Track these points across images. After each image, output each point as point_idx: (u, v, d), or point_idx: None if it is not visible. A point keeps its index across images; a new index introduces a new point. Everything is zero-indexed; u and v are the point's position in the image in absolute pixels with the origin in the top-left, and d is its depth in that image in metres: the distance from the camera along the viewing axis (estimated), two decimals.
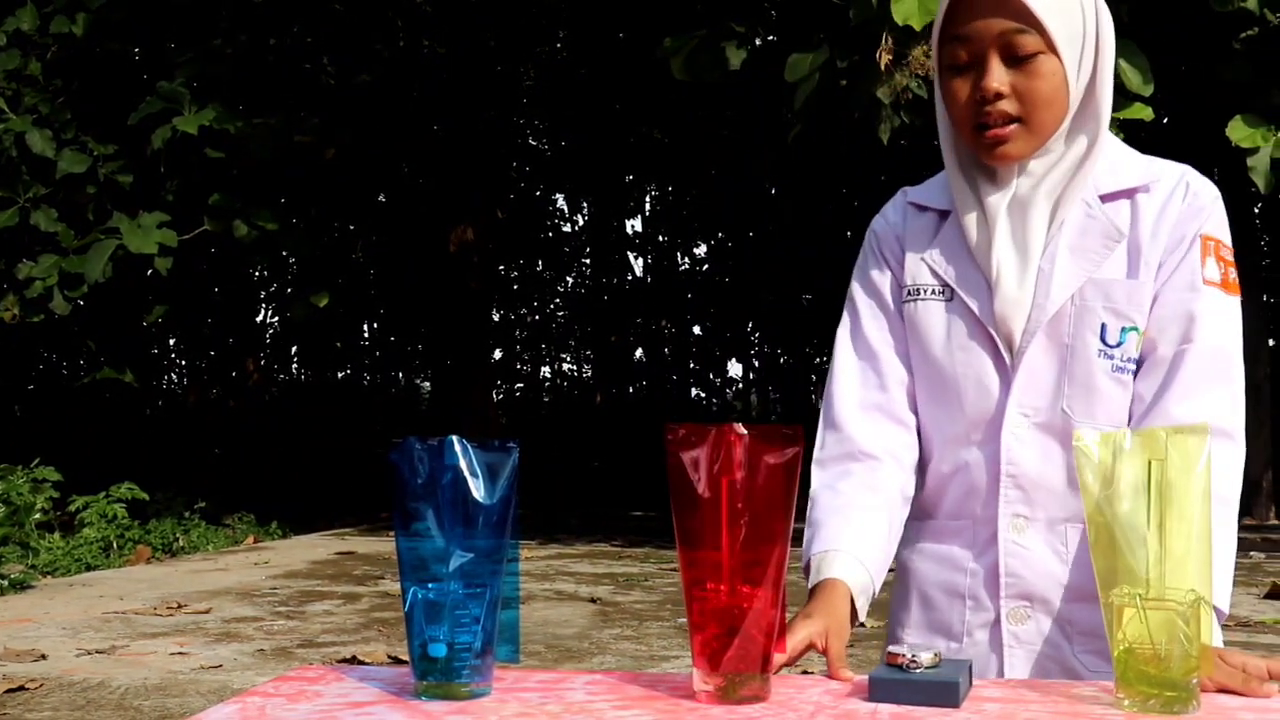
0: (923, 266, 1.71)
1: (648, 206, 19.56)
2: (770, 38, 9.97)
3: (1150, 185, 1.65)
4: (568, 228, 20.44)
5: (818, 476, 1.71)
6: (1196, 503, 1.28)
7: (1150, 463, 1.30)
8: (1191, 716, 1.23)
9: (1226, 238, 1.66)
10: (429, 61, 13.91)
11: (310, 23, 11.85)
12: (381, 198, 15.41)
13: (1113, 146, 1.68)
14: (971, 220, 1.67)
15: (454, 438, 1.30)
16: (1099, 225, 1.63)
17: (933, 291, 1.70)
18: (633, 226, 19.92)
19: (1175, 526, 1.28)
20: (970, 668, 1.35)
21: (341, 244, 14.44)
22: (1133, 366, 1.62)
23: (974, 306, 1.65)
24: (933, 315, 1.69)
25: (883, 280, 1.76)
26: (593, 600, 7.72)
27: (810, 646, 1.45)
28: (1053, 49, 1.57)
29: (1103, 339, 1.61)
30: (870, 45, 7.08)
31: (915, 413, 1.75)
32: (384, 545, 10.91)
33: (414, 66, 13.72)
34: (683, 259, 19.86)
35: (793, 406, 19.01)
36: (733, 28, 8.31)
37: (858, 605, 1.58)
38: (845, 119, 7.90)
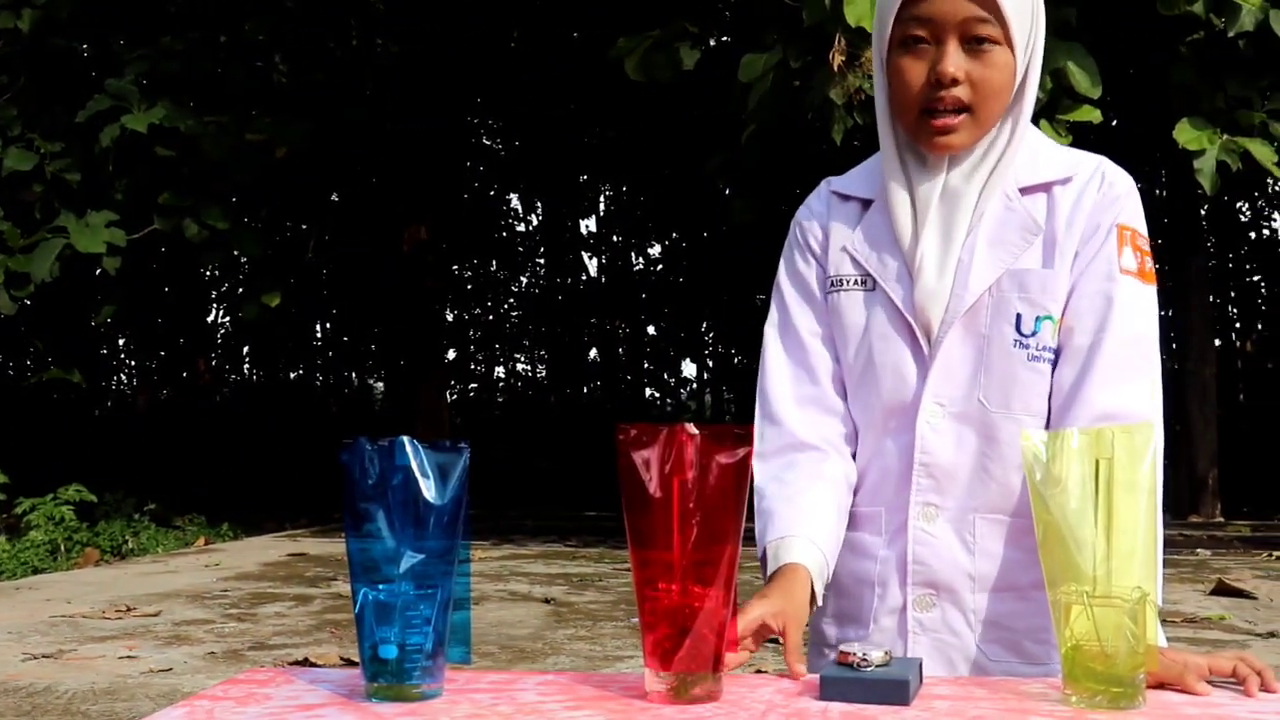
0: (845, 257, 1.72)
1: (602, 206, 19.56)
2: (724, 38, 10.00)
3: (1067, 178, 1.67)
4: (522, 227, 20.41)
5: (761, 470, 1.70)
6: (1142, 500, 1.30)
7: (1098, 461, 1.32)
8: (1137, 712, 1.24)
9: (1143, 227, 1.67)
10: (382, 61, 13.85)
11: (261, 20, 11.76)
12: (334, 197, 15.32)
13: (1032, 138, 1.69)
14: (901, 208, 1.67)
15: (405, 438, 1.29)
16: (1018, 218, 1.65)
17: (854, 281, 1.70)
18: (587, 226, 19.92)
19: (1122, 524, 1.29)
20: (920, 666, 1.36)
21: (294, 243, 14.34)
22: (1050, 355, 1.63)
23: (894, 295, 1.66)
24: (854, 305, 1.70)
25: (808, 271, 1.76)
26: (547, 601, 7.71)
27: (764, 627, 1.45)
28: (1008, 41, 1.58)
29: (1018, 329, 1.62)
30: (823, 46, 7.11)
31: (845, 400, 1.75)
32: (336, 546, 10.85)
33: (367, 65, 13.66)
34: (637, 259, 19.87)
35: (747, 406, 19.02)
36: (686, 28, 8.32)
37: (816, 589, 1.59)
38: (798, 119, 7.92)
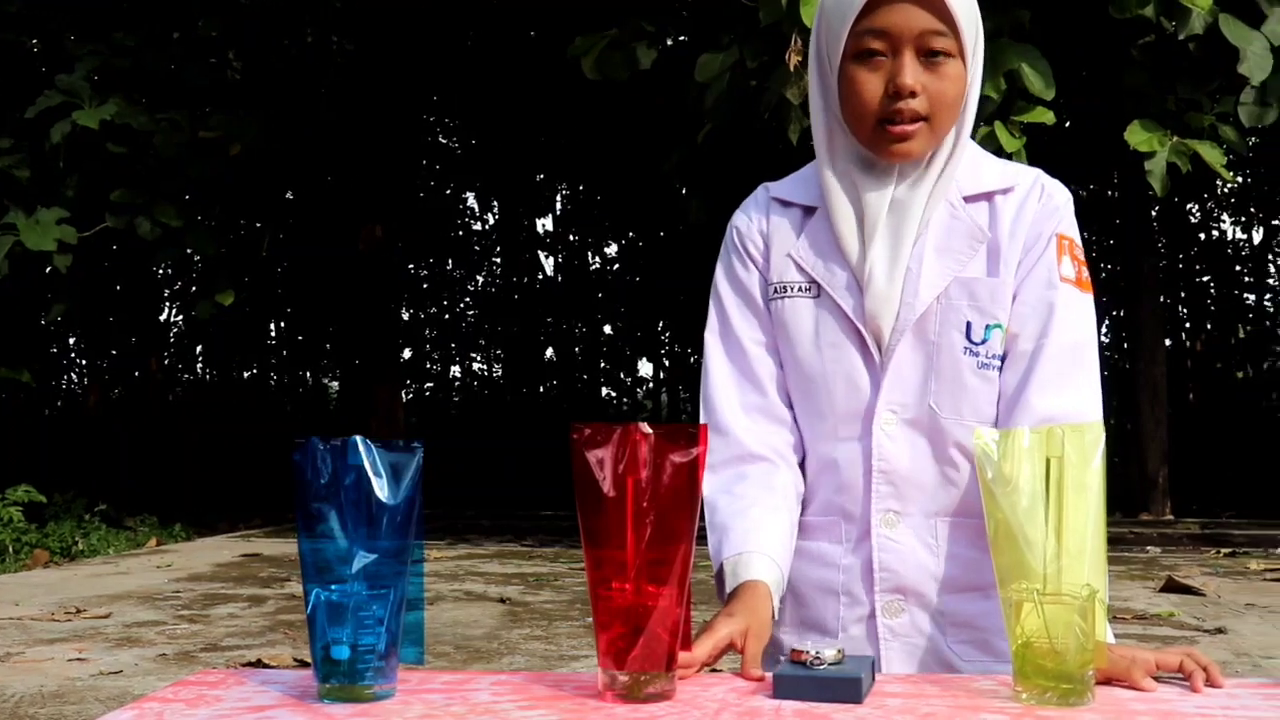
0: (789, 263, 1.72)
1: (559, 205, 19.53)
2: (681, 38, 10.01)
3: (1008, 188, 1.69)
4: (478, 226, 20.34)
5: (710, 482, 1.70)
6: (1092, 499, 1.31)
7: (1049, 461, 1.33)
8: (1086, 708, 1.26)
9: (1078, 238, 1.71)
10: (338, 58, 13.78)
11: (215, 17, 11.67)
12: (289, 195, 15.22)
13: (970, 149, 1.71)
14: (846, 217, 1.67)
15: (357, 438, 1.29)
16: (963, 226, 1.67)
17: (799, 289, 1.71)
18: (543, 225, 19.87)
19: (1072, 522, 1.31)
20: (873, 664, 1.37)
21: (248, 241, 14.23)
22: (998, 363, 1.65)
23: (843, 304, 1.66)
24: (800, 312, 1.70)
25: (748, 277, 1.76)
26: (502, 600, 7.69)
27: (730, 646, 1.46)
28: (961, 54, 1.60)
29: (968, 336, 1.64)
30: (779, 46, 7.13)
31: (791, 408, 1.75)
32: (290, 547, 10.78)
33: (322, 63, 13.58)
34: (593, 258, 19.85)
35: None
36: (643, 27, 8.32)
37: (775, 604, 1.59)
38: (755, 119, 7.94)
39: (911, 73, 1.58)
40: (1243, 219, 17.80)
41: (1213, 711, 1.25)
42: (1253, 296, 17.90)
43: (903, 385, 1.65)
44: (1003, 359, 1.65)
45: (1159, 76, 7.83)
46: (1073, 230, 1.69)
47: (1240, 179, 16.15)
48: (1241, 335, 17.65)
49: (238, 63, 12.77)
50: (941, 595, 1.66)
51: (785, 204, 1.77)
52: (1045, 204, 1.68)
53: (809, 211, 1.74)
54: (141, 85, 11.09)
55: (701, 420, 1.75)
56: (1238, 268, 17.76)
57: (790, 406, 1.75)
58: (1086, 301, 1.66)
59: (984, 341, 1.64)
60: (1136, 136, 7.44)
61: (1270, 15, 7.30)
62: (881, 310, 1.64)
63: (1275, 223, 17.75)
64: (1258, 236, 17.86)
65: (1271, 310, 17.99)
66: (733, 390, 1.75)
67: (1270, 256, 17.89)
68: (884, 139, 1.62)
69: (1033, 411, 1.60)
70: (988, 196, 1.69)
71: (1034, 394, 1.61)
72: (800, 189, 1.77)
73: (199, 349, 19.46)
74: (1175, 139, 7.49)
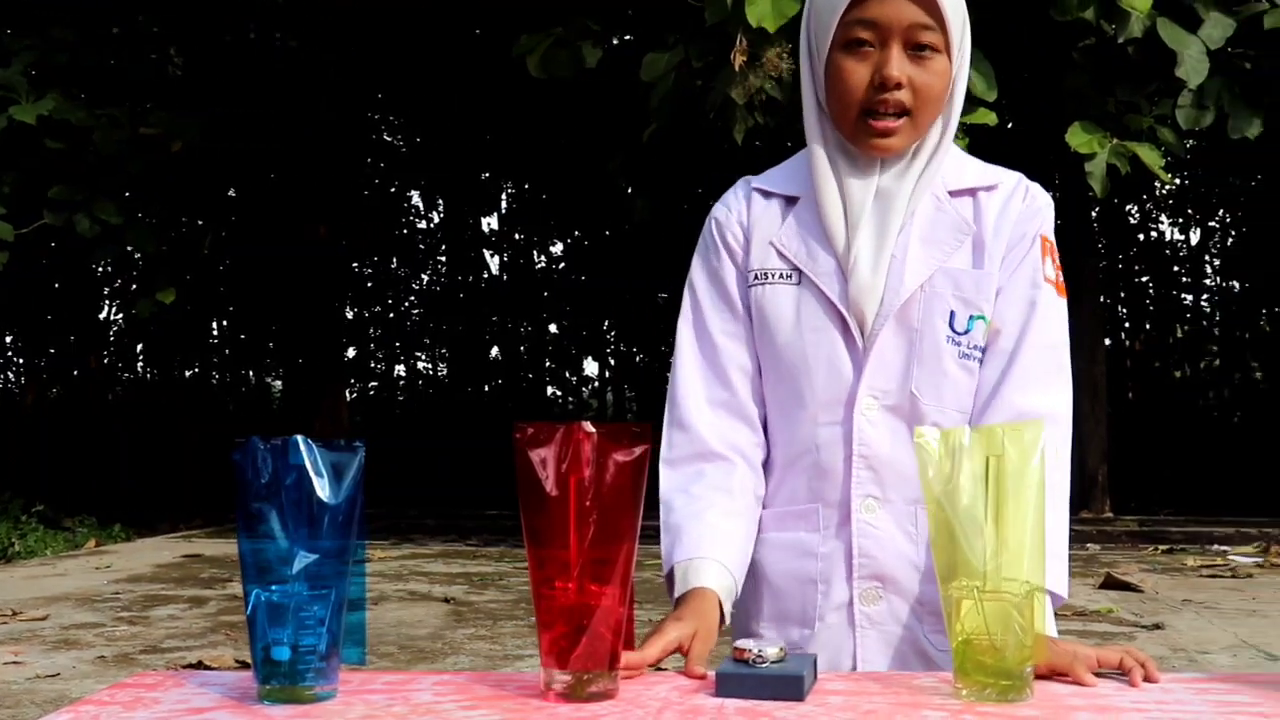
0: (770, 251, 1.73)
1: (504, 204, 19.44)
2: (626, 37, 10.01)
3: (992, 185, 1.72)
4: (423, 225, 20.23)
5: (668, 478, 1.71)
6: (1032, 496, 1.32)
7: (988, 458, 1.34)
8: (1025, 704, 1.27)
9: (1055, 242, 1.74)
10: (280, 55, 13.66)
11: (155, 12, 11.53)
12: (231, 193, 15.07)
13: (952, 148, 1.74)
14: (833, 206, 1.69)
15: (298, 437, 1.28)
16: (949, 218, 1.69)
17: (781, 275, 1.71)
18: (489, 224, 19.77)
19: (1012, 519, 1.32)
20: (815, 662, 1.38)
21: (190, 239, 14.07)
22: (979, 354, 1.68)
23: (827, 290, 1.67)
24: (781, 298, 1.71)
25: (725, 268, 1.77)
26: (446, 600, 7.67)
27: (678, 649, 1.46)
28: (947, 49, 1.62)
29: (951, 326, 1.66)
30: (725, 46, 7.14)
31: (760, 404, 1.76)
32: (232, 547, 10.67)
33: (265, 60, 13.45)
34: (539, 257, 19.78)
35: (648, 405, 19.07)
36: (589, 26, 8.31)
37: (725, 611, 1.60)
38: (700, 119, 7.95)
39: (898, 65, 1.60)
40: (1180, 220, 18.01)
41: (1147, 706, 1.27)
42: (1190, 297, 18.13)
43: (885, 371, 1.66)
44: (983, 351, 1.68)
45: (1099, 79, 7.92)
46: (1052, 234, 1.73)
47: (1178, 181, 16.36)
48: (1179, 335, 17.87)
49: (179, 59, 12.63)
50: (920, 583, 1.67)
51: (767, 194, 1.78)
52: (1029, 204, 1.71)
53: (790, 201, 1.75)
54: (80, 80, 10.94)
55: (666, 414, 1.75)
56: (1175, 268, 17.98)
57: (760, 404, 1.76)
58: (1063, 305, 1.70)
59: (967, 332, 1.67)
60: (1077, 138, 7.52)
61: (1207, 20, 7.41)
62: (865, 296, 1.66)
63: (1212, 224, 17.98)
64: (1195, 237, 18.09)
65: (1208, 310, 18.23)
66: (699, 384, 1.75)
67: (1207, 257, 18.13)
68: (866, 132, 1.64)
69: (1010, 407, 1.63)
70: (971, 192, 1.72)
71: (1012, 391, 1.65)
72: (782, 180, 1.78)
73: (139, 348, 19.22)
74: (1115, 141, 7.57)
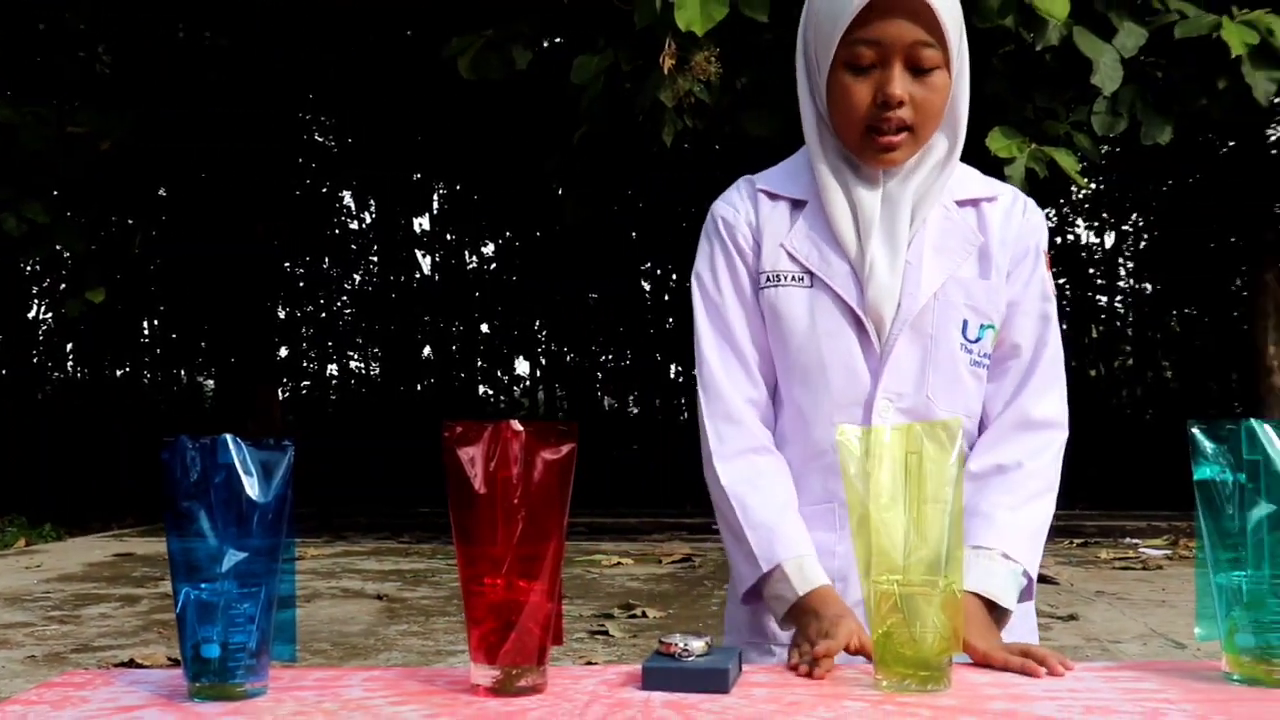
0: (781, 254, 1.73)
1: (436, 205, 19.32)
2: (557, 40, 9.99)
3: (993, 197, 1.76)
4: (355, 225, 20.07)
5: (728, 471, 1.69)
6: (950, 493, 1.34)
7: (908, 455, 1.36)
8: (943, 694, 1.29)
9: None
10: (211, 54, 13.48)
11: (83, 9, 11.34)
12: (162, 192, 14.86)
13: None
14: (843, 213, 1.70)
15: (227, 436, 1.27)
16: (958, 228, 1.72)
17: (793, 278, 1.72)
18: (420, 224, 19.64)
19: (931, 516, 1.33)
20: (740, 655, 1.39)
21: (120, 238, 13.86)
22: (987, 362, 1.72)
23: (846, 295, 1.69)
24: (794, 300, 1.71)
25: (738, 267, 1.76)
26: (379, 597, 7.61)
27: (859, 647, 1.46)
28: (947, 65, 1.64)
29: (964, 334, 1.70)
30: (654, 50, 7.15)
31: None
32: (164, 546, 10.49)
33: (195, 59, 13.27)
34: (470, 257, 19.69)
35: (578, 403, 19.07)
36: (519, 29, 8.29)
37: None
38: (630, 121, 7.95)
39: (900, 84, 1.61)
40: (1096, 224, 18.31)
41: (1059, 694, 1.29)
42: (1104, 298, 18.42)
43: (901, 375, 1.69)
44: (989, 359, 1.72)
45: (1018, 85, 8.00)
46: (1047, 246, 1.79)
47: (1094, 185, 16.63)
48: (1094, 335, 18.15)
49: (107, 57, 12.43)
50: None
51: (774, 196, 1.78)
52: (1029, 218, 1.76)
53: (798, 204, 1.75)
54: (7, 78, 10.74)
55: (705, 408, 1.73)
56: (1091, 270, 18.26)
57: (773, 396, 1.77)
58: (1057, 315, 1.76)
59: (978, 340, 1.70)
60: (997, 143, 7.60)
61: (1121, 29, 7.52)
62: (883, 302, 1.68)
63: (1125, 228, 18.28)
64: (1109, 240, 18.40)
65: (1122, 311, 18.54)
66: (738, 381, 1.74)
67: (1121, 260, 18.43)
68: (870, 147, 1.66)
69: (1024, 413, 1.70)
70: (975, 203, 1.75)
71: (1028, 398, 1.71)
72: (787, 182, 1.78)
73: (69, 347, 18.91)
74: (1033, 146, 7.66)
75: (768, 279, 1.73)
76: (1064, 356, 1.76)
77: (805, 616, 1.54)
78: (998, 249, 1.72)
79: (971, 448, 1.73)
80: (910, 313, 1.67)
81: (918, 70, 1.62)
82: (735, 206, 1.79)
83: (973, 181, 1.78)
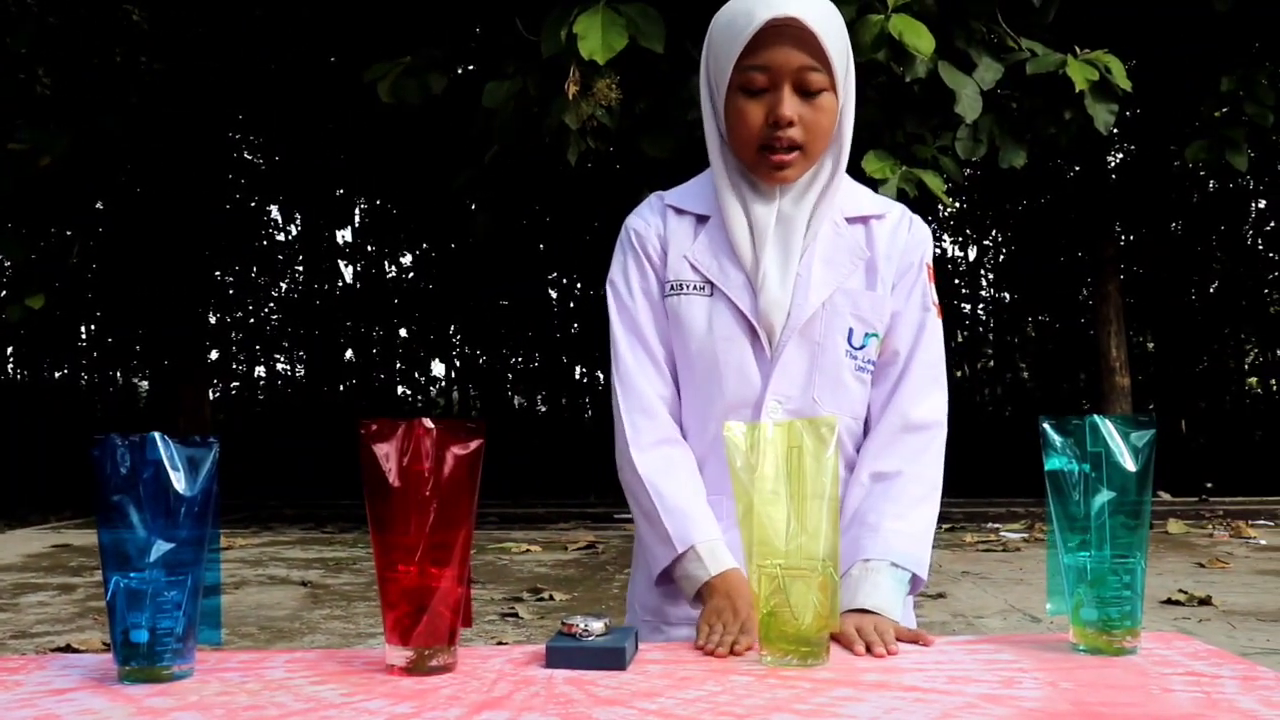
0: (685, 264, 1.73)
1: (358, 218, 19.11)
2: (470, 66, 9.93)
3: (881, 214, 1.77)
4: (282, 237, 19.77)
5: (645, 461, 1.68)
6: (827, 483, 1.35)
7: (789, 449, 1.37)
8: (822, 667, 1.30)
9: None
10: (146, 77, 13.19)
11: (23, 34, 11.02)
12: (99, 205, 14.51)
13: (845, 178, 1.77)
14: (740, 228, 1.70)
15: (155, 434, 1.24)
16: (846, 243, 1.73)
17: (694, 287, 1.72)
18: (343, 236, 19.41)
19: (810, 504, 1.34)
20: (636, 635, 1.39)
21: (58, 247, 13.50)
22: (871, 368, 1.73)
23: (739, 303, 1.69)
24: (695, 308, 1.72)
25: (646, 275, 1.76)
26: (304, 584, 7.50)
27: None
28: (834, 88, 1.64)
29: (849, 341, 1.70)
30: (560, 77, 7.14)
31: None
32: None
33: (131, 81, 12.97)
34: (390, 267, 19.51)
35: (490, 402, 18.97)
36: (435, 56, 8.23)
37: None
38: (537, 142, 7.93)
39: (790, 105, 1.62)
40: (960, 239, 18.65)
41: (926, 666, 1.31)
42: (968, 306, 18.76)
43: (789, 379, 1.69)
44: (874, 365, 1.73)
45: (890, 113, 8.11)
46: (932, 261, 1.80)
47: (958, 204, 16.95)
48: (959, 340, 18.48)
49: (47, 79, 12.10)
50: None
51: (680, 211, 1.78)
52: (914, 234, 1.77)
53: (701, 219, 1.76)
54: None
55: (621, 402, 1.72)
56: (956, 281, 18.58)
57: (679, 395, 1.76)
58: (940, 325, 1.77)
59: (862, 347, 1.71)
60: (871, 165, 7.70)
61: (980, 64, 7.67)
62: (774, 310, 1.68)
63: (986, 243, 18.66)
64: (972, 254, 18.75)
65: (984, 318, 18.90)
66: (650, 377, 1.74)
67: (982, 271, 18.80)
68: (765, 164, 1.67)
69: (903, 415, 1.70)
70: (864, 220, 1.76)
71: (904, 400, 1.71)
72: (692, 199, 1.79)
73: (9, 350, 18.39)
74: (904, 168, 7.78)
75: (672, 287, 1.74)
76: (944, 362, 1.77)
77: (715, 596, 1.55)
78: (884, 263, 1.74)
79: (858, 449, 1.74)
80: (799, 321, 1.68)
81: (806, 93, 1.63)
82: (646, 220, 1.80)
83: (864, 200, 1.79)
